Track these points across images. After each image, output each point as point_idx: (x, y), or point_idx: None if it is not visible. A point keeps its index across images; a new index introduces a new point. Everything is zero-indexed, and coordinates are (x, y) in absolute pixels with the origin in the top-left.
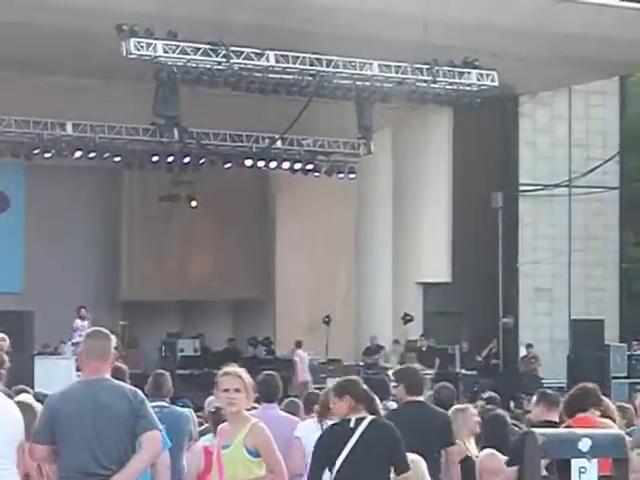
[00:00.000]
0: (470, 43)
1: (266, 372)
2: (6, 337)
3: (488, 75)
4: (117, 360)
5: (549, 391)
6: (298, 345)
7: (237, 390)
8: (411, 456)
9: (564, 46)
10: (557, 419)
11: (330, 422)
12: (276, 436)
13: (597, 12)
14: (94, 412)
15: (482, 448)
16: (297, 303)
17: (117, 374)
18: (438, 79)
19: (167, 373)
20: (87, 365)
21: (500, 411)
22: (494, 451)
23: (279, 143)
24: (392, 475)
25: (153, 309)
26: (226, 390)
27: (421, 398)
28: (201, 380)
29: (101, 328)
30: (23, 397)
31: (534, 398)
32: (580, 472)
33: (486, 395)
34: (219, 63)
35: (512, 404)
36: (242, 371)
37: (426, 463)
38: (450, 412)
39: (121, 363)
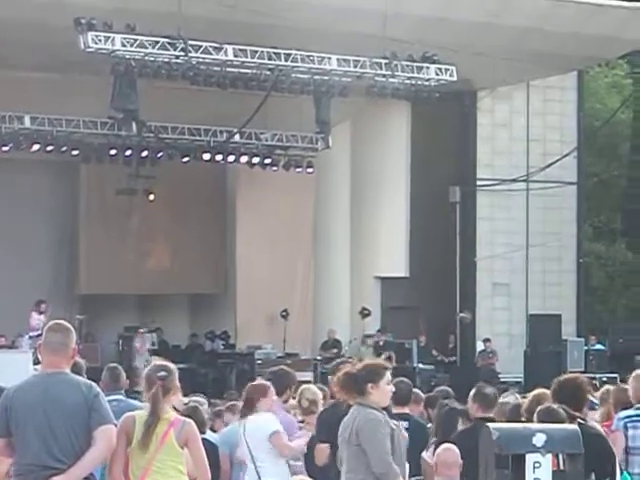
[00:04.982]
0: (428, 38)
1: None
2: None
3: (447, 70)
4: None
5: (488, 390)
6: None
7: None
8: None
9: (522, 41)
10: (492, 415)
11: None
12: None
13: (554, 6)
14: (47, 405)
15: (439, 442)
16: (256, 297)
17: (74, 369)
18: (396, 73)
19: (120, 366)
20: (45, 359)
21: (456, 405)
22: (451, 445)
23: (237, 137)
24: None
25: (111, 303)
26: None
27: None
28: None
29: (62, 321)
30: None
31: (471, 392)
32: (534, 467)
33: (439, 389)
34: (177, 57)
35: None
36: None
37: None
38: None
39: (78, 357)
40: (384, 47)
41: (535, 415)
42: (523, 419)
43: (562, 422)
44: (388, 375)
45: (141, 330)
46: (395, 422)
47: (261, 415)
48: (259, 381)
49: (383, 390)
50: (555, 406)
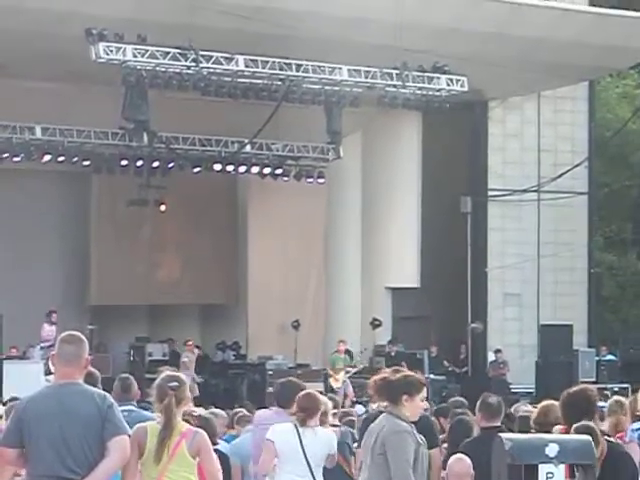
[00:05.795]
0: (440, 48)
1: None
2: None
3: (458, 80)
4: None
5: (491, 399)
6: None
7: None
8: None
9: (532, 51)
10: (499, 423)
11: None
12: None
13: (565, 17)
14: (61, 416)
15: (450, 453)
16: (267, 307)
17: (89, 379)
18: (407, 84)
19: (131, 377)
20: (58, 369)
21: (467, 416)
22: (463, 455)
23: (248, 147)
24: None
25: (122, 313)
26: None
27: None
28: None
29: (75, 332)
30: None
31: (477, 403)
32: (547, 477)
33: (454, 399)
34: (188, 67)
35: None
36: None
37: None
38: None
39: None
40: (395, 57)
41: (572, 432)
42: (533, 430)
43: (598, 440)
44: (424, 391)
45: (190, 342)
46: (421, 437)
47: (322, 431)
48: (312, 391)
49: (417, 405)
50: (591, 424)
